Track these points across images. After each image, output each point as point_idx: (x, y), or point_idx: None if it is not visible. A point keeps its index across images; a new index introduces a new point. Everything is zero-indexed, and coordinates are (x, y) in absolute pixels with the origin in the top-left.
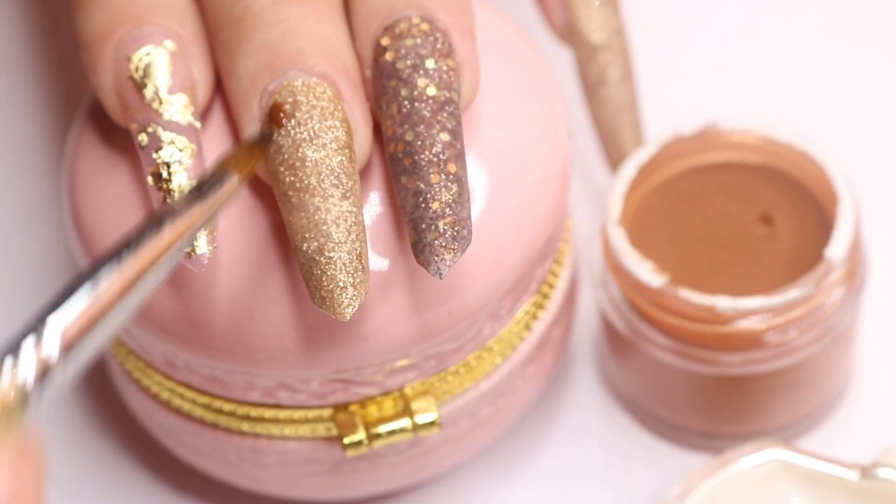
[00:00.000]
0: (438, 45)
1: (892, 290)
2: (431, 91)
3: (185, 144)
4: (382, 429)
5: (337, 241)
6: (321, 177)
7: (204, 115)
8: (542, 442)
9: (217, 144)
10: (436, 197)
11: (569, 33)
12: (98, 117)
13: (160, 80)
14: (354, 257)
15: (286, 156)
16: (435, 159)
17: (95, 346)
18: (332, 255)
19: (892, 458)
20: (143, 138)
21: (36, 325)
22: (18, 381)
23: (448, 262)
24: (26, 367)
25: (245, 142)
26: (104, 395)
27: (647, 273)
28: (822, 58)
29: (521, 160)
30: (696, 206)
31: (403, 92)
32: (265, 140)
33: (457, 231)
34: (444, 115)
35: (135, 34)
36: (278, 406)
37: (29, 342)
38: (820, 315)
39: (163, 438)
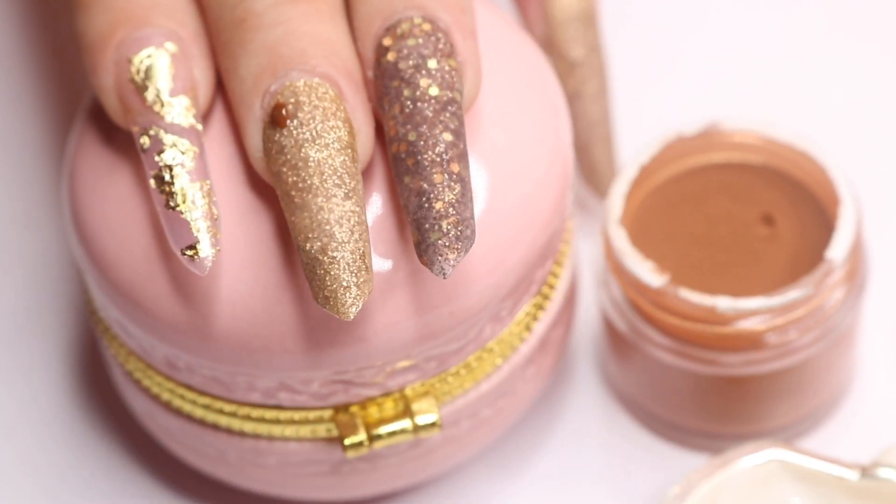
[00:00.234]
0: (440, 45)
1: (893, 291)
2: (434, 91)
3: (187, 147)
4: (383, 430)
5: (340, 240)
6: (324, 177)
7: (205, 117)
8: (542, 442)
9: (219, 146)
10: (439, 197)
11: (548, 47)
12: (99, 118)
13: (161, 82)
14: (358, 257)
15: (289, 156)
16: (438, 159)
17: None
18: (335, 254)
19: (892, 458)
20: (144, 141)
21: None
22: None
23: (452, 262)
24: None
25: None
26: (105, 396)
27: (648, 273)
28: (824, 58)
29: (522, 160)
30: (698, 207)
31: (406, 92)
32: None
33: (460, 231)
34: (447, 114)
35: (135, 36)
36: (279, 407)
37: None
38: (820, 316)
39: (163, 439)
